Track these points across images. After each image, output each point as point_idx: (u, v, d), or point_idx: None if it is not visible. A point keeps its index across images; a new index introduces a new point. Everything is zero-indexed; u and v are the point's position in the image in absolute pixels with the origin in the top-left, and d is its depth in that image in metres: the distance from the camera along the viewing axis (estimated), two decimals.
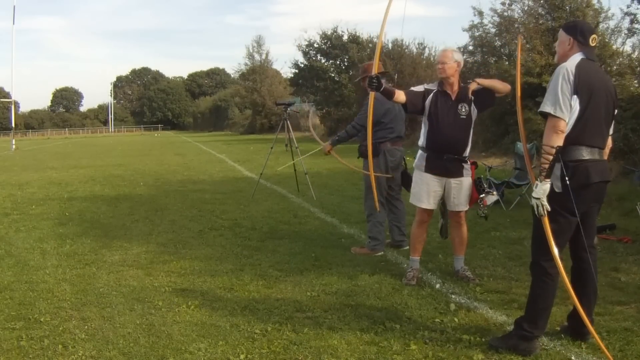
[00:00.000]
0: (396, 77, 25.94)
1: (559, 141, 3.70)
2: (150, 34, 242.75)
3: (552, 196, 3.76)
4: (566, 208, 3.75)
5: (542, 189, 3.73)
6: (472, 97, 5.35)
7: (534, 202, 3.78)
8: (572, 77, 3.70)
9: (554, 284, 3.87)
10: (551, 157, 3.70)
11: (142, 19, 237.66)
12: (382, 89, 5.17)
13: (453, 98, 5.36)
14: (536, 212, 3.78)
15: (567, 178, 3.72)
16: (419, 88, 5.51)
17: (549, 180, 3.71)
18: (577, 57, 3.84)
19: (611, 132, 4.05)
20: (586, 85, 3.72)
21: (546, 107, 3.74)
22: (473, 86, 5.29)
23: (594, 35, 3.94)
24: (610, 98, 3.91)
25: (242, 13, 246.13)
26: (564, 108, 3.68)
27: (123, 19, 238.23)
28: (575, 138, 3.75)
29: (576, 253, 4.01)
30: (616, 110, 4.01)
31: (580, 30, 3.95)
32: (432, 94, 5.40)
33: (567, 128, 3.73)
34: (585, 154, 3.76)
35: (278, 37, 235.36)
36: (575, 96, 3.70)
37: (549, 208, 3.72)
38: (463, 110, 5.35)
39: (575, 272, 4.06)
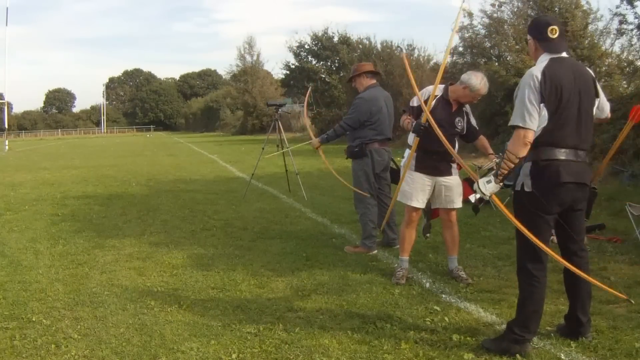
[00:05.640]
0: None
1: (525, 152, 3.73)
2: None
3: (523, 196, 3.81)
4: (538, 207, 3.76)
5: (493, 188, 3.88)
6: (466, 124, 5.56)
7: (481, 195, 3.96)
8: (537, 85, 3.66)
9: (542, 286, 3.86)
10: (512, 166, 3.77)
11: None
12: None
13: (453, 109, 5.47)
14: (476, 200, 4.07)
15: (536, 177, 3.78)
16: (414, 102, 5.57)
17: (500, 184, 3.86)
18: (543, 60, 3.80)
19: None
20: (554, 89, 3.66)
21: (516, 120, 3.73)
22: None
23: (552, 27, 3.80)
24: (587, 93, 3.82)
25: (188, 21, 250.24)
26: (533, 118, 3.67)
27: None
28: (547, 141, 3.72)
29: (567, 256, 3.99)
30: (598, 100, 3.94)
31: (535, 27, 3.90)
32: (435, 99, 5.39)
33: (536, 133, 3.71)
34: (559, 154, 3.72)
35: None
36: (542, 104, 3.66)
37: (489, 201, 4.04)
38: (459, 124, 5.50)
39: (567, 274, 4.05)
